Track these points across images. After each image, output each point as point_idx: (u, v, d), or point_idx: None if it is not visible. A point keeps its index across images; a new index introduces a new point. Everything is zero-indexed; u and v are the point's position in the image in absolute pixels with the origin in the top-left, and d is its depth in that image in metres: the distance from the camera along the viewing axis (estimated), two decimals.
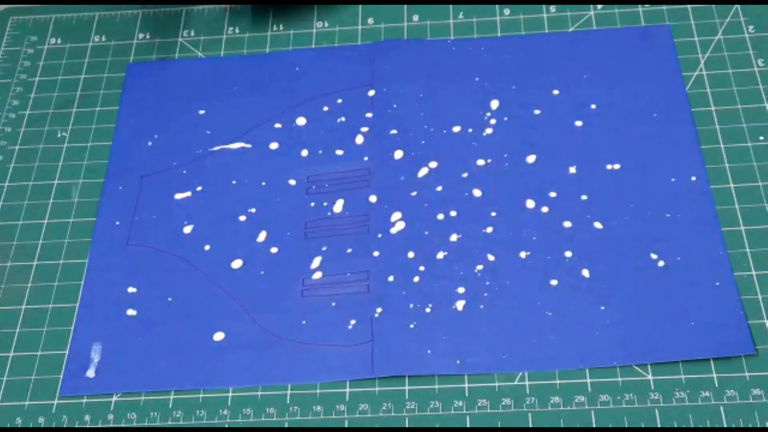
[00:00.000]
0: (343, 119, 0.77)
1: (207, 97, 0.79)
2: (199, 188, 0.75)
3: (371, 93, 0.78)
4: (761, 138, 0.73)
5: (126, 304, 0.70)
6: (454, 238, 0.70)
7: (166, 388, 0.66)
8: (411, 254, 0.70)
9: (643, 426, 0.62)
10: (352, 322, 0.67)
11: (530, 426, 0.62)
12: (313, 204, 0.73)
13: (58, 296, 0.71)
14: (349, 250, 0.70)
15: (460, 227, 0.71)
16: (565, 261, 0.68)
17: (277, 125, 0.77)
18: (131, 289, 0.70)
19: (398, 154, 0.74)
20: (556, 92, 0.76)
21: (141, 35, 0.86)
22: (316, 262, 0.70)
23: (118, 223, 0.74)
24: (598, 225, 0.69)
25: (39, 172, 0.77)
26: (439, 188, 0.73)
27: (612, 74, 0.76)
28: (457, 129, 0.75)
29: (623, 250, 0.68)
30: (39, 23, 0.86)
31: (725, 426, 0.61)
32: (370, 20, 0.83)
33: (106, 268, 0.72)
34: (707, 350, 0.63)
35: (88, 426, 0.65)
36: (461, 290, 0.68)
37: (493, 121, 0.76)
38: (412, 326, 0.66)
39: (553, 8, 0.82)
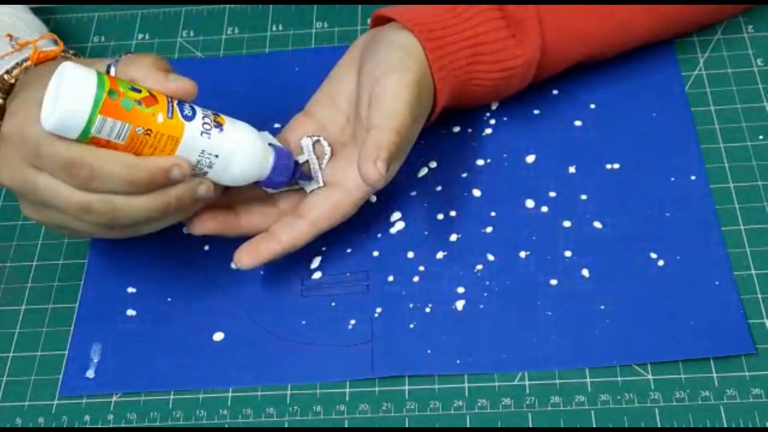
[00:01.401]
0: None
1: (206, 97, 0.79)
2: None
3: None
4: (761, 137, 0.73)
5: (126, 304, 0.70)
6: (453, 238, 0.70)
7: (166, 388, 0.66)
8: (411, 254, 0.70)
9: (643, 425, 0.61)
10: (352, 322, 0.67)
11: (530, 426, 0.62)
12: None
13: (57, 296, 0.71)
14: (349, 250, 0.70)
15: (459, 227, 0.71)
16: (565, 260, 0.68)
17: (277, 125, 0.77)
18: (131, 289, 0.70)
19: None
20: (555, 92, 0.76)
21: (141, 35, 0.86)
22: (316, 262, 0.70)
23: None
24: (597, 224, 0.69)
25: None
26: (439, 188, 0.73)
27: (611, 74, 0.76)
28: (456, 129, 0.75)
29: (623, 250, 0.68)
30: None
31: (725, 425, 0.61)
32: (370, 20, 0.83)
33: (106, 268, 0.72)
34: (707, 350, 0.63)
35: (88, 426, 0.65)
36: (461, 290, 0.68)
37: (492, 121, 0.76)
38: (411, 326, 0.66)
39: None
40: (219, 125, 0.62)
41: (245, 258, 0.66)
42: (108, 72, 0.62)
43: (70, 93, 0.57)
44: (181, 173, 0.60)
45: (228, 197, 0.67)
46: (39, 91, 0.60)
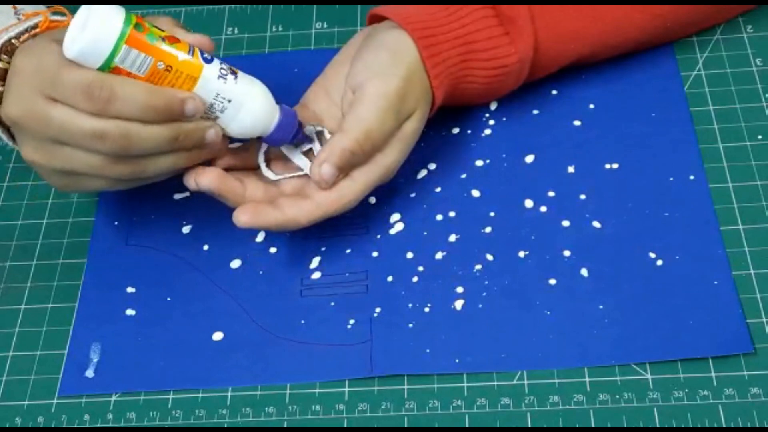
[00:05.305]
0: None
1: None
2: None
3: None
4: (759, 137, 0.73)
5: (125, 303, 0.70)
6: (452, 238, 0.70)
7: (165, 388, 0.66)
8: (410, 255, 0.70)
9: (641, 425, 0.61)
10: (351, 321, 0.67)
11: (529, 425, 0.62)
12: None
13: (57, 296, 0.71)
14: (348, 251, 0.71)
15: (458, 227, 0.71)
16: (564, 260, 0.68)
17: None
18: (130, 289, 0.70)
19: None
20: (554, 92, 0.76)
21: None
22: (315, 262, 0.70)
23: (117, 222, 0.74)
24: (596, 224, 0.69)
25: None
26: (438, 189, 0.73)
27: (610, 74, 0.76)
28: (456, 130, 0.76)
29: (622, 249, 0.68)
30: None
31: (724, 425, 0.61)
32: (366, 19, 0.83)
33: (106, 268, 0.72)
34: (706, 349, 0.63)
35: (87, 426, 0.65)
36: (460, 290, 0.68)
37: (491, 122, 0.76)
38: (411, 326, 0.67)
39: None
40: (234, 73, 0.64)
41: (245, 216, 0.64)
42: None
43: (98, 21, 0.59)
44: (195, 108, 0.62)
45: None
46: (53, 35, 0.62)
